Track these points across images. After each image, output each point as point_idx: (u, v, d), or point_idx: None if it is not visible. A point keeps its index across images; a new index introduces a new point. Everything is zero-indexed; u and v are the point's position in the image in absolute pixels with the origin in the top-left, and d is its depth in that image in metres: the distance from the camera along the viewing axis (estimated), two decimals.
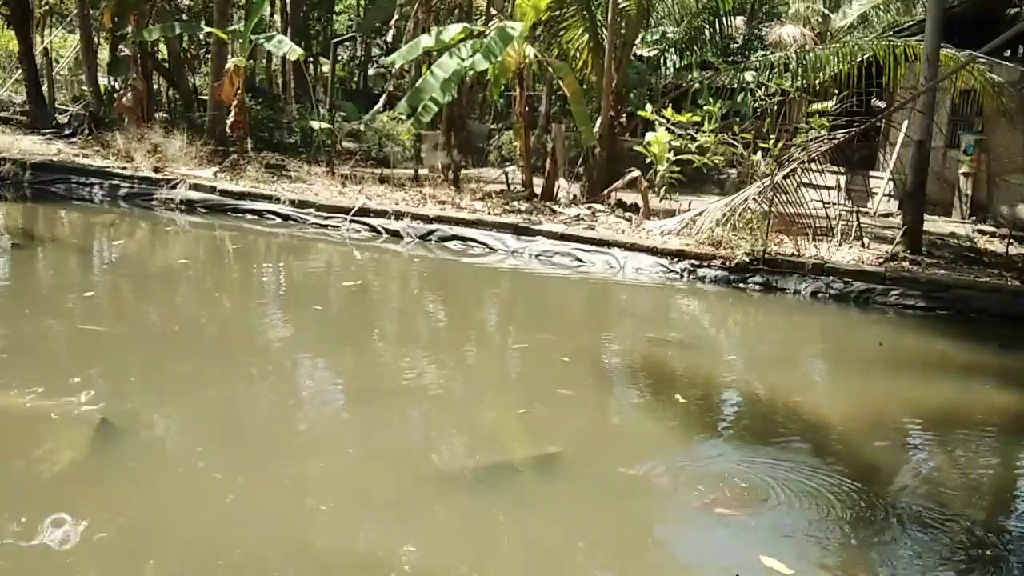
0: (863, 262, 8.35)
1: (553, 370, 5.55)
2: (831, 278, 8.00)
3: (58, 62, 19.68)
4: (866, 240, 9.13)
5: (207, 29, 13.71)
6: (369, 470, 3.92)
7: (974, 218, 11.61)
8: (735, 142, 10.75)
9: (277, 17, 20.17)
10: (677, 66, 14.11)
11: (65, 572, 2.93)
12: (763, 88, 12.02)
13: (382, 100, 16.58)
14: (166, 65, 16.70)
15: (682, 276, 8.34)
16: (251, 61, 16.01)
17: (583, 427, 4.64)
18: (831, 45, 11.84)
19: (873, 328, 7.52)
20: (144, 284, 7.43)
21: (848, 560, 3.32)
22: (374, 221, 9.69)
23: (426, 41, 10.74)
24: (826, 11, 16.07)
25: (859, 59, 10.96)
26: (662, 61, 14.14)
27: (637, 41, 12.53)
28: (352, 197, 10.38)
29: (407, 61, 12.02)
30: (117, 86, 14.82)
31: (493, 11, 13.79)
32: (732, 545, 3.39)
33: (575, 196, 11.05)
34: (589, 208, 10.36)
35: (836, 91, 11.25)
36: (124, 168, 11.25)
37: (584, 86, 12.75)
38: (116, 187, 10.85)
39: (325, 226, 9.82)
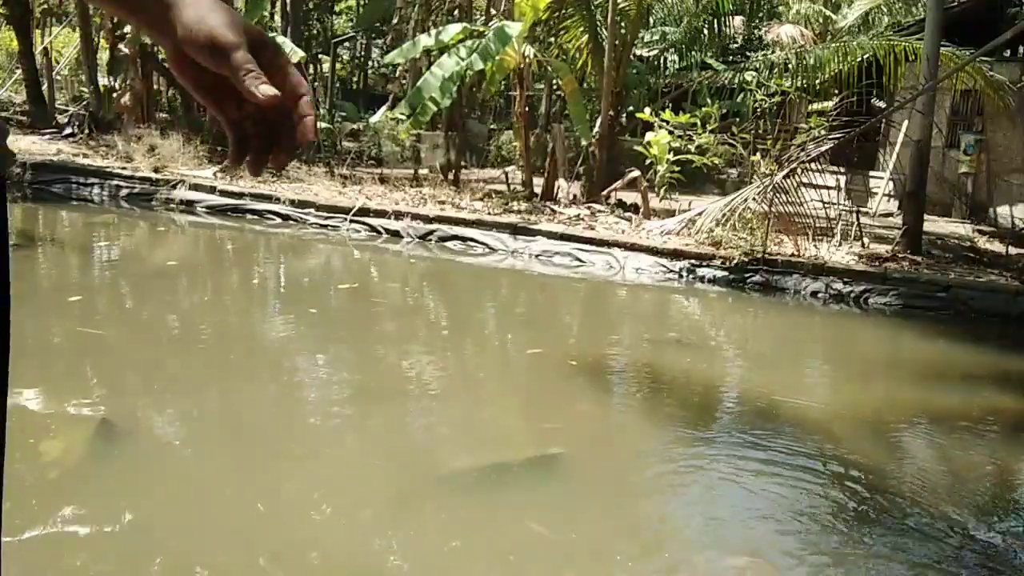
0: (863, 262, 8.36)
1: (554, 370, 5.55)
2: (831, 278, 8.00)
3: (58, 62, 19.68)
4: (866, 240, 9.13)
5: None
6: (368, 470, 3.91)
7: (974, 218, 11.61)
8: (734, 142, 10.75)
9: (278, 17, 20.17)
10: (677, 66, 14.12)
11: (64, 572, 2.93)
12: (763, 88, 12.03)
13: (389, 101, 16.59)
14: (166, 65, 16.68)
15: (682, 276, 8.34)
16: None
17: (584, 428, 4.64)
18: (831, 45, 11.83)
19: (873, 328, 7.52)
20: (144, 285, 7.43)
21: (840, 560, 3.31)
22: (374, 221, 9.69)
23: (425, 41, 10.75)
24: (828, 12, 16.06)
25: (859, 59, 10.96)
26: (662, 61, 14.14)
27: (637, 41, 12.54)
28: (352, 197, 10.39)
29: (407, 61, 12.03)
30: (117, 86, 14.83)
31: (493, 11, 13.79)
32: (726, 548, 3.39)
33: (575, 196, 11.06)
34: (589, 208, 10.36)
35: (836, 91, 11.26)
36: (124, 168, 11.25)
37: (584, 86, 12.76)
38: (116, 187, 10.85)
39: (325, 226, 9.82)
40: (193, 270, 8.17)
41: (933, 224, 10.40)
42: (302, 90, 0.69)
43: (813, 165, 8.55)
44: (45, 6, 18.42)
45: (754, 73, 12.38)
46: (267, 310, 6.98)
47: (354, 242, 9.50)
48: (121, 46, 14.01)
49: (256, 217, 10.16)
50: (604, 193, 10.77)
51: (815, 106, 11.19)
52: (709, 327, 7.51)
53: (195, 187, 10.64)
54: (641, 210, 9.94)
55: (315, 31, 22.12)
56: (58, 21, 20.34)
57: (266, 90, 0.65)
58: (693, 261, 8.40)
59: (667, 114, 10.83)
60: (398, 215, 9.68)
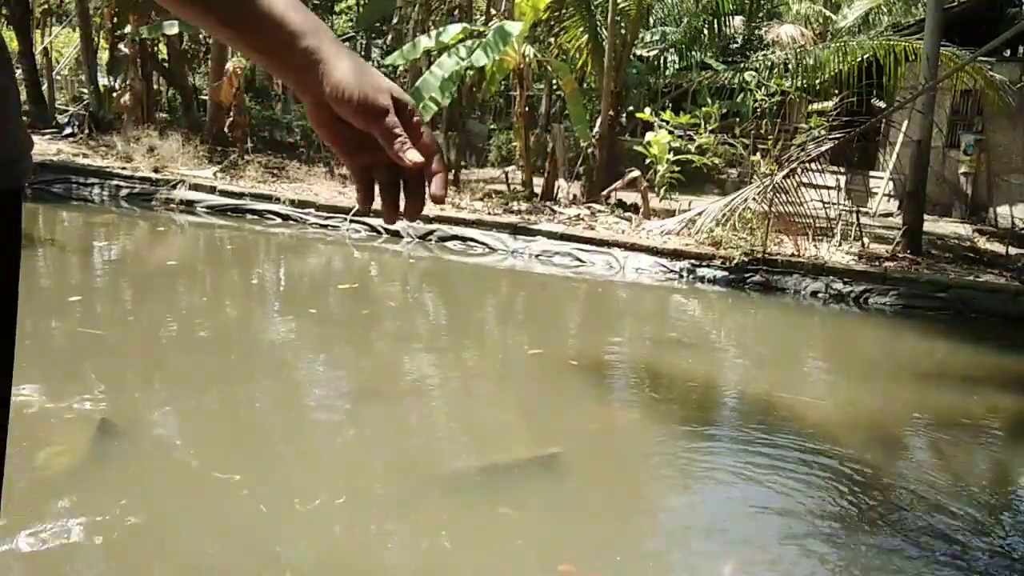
0: (863, 262, 8.36)
1: (554, 371, 5.55)
2: (831, 278, 8.00)
3: (58, 62, 19.67)
4: (866, 240, 9.13)
5: None
6: (369, 470, 3.92)
7: (974, 218, 11.62)
8: (734, 142, 10.75)
9: None
10: (677, 66, 14.12)
11: (65, 572, 2.93)
12: (763, 88, 12.03)
13: None
14: (166, 65, 16.71)
15: (682, 276, 8.34)
16: (250, 61, 15.98)
17: (584, 428, 4.64)
18: (831, 45, 11.83)
19: (873, 328, 7.52)
20: (144, 285, 7.43)
21: (839, 559, 3.32)
22: (374, 221, 9.69)
23: (426, 42, 10.74)
24: (828, 13, 16.07)
25: (859, 59, 10.97)
26: (662, 61, 14.14)
27: (637, 41, 12.54)
28: (352, 197, 10.34)
29: (407, 61, 12.03)
30: (117, 86, 14.83)
31: (493, 11, 13.79)
32: (711, 549, 3.39)
33: (575, 196, 11.06)
34: (589, 208, 10.36)
35: (836, 91, 11.26)
36: (124, 168, 11.25)
37: (584, 86, 12.76)
38: (116, 187, 10.85)
39: (325, 226, 9.82)
40: (193, 270, 8.17)
41: (933, 224, 10.41)
42: (434, 148, 0.73)
43: (813, 165, 8.55)
44: (45, 6, 18.43)
45: (754, 73, 12.38)
46: (267, 310, 6.98)
47: (354, 242, 9.50)
48: (121, 46, 14.00)
49: (256, 217, 10.15)
50: (604, 193, 10.77)
51: (815, 106, 11.18)
52: (709, 327, 7.51)
53: (195, 187, 10.64)
54: (641, 210, 9.94)
55: None
56: (58, 21, 20.35)
57: (413, 156, 0.70)
58: (693, 261, 8.40)
59: (667, 114, 10.83)
60: None
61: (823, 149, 8.66)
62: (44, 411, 4.08)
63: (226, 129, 12.27)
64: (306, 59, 0.71)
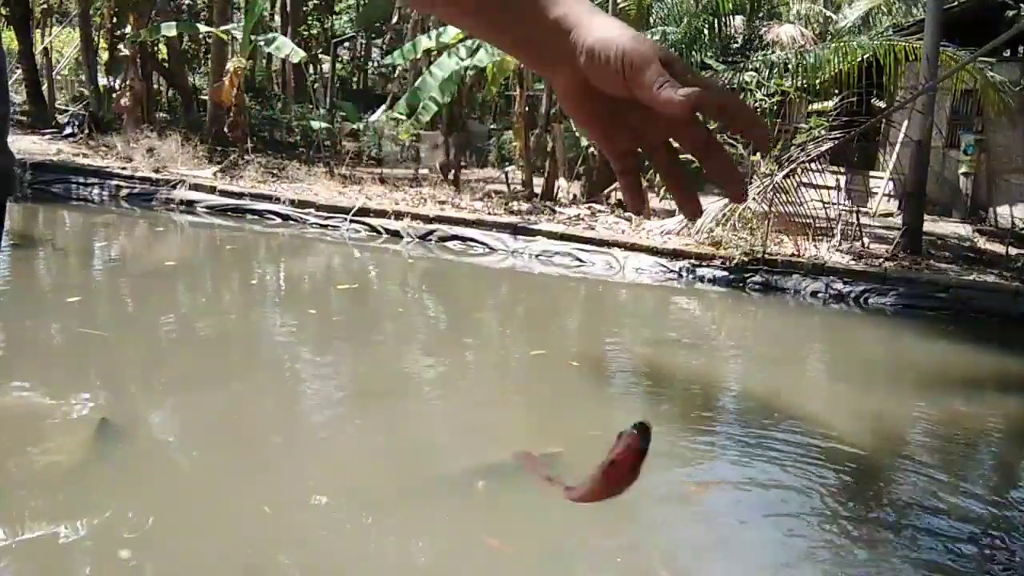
0: (863, 262, 8.35)
1: (555, 371, 5.54)
2: (831, 278, 8.00)
3: (58, 62, 19.67)
4: (866, 240, 9.13)
5: (205, 29, 13.71)
6: (367, 470, 3.91)
7: (974, 218, 11.61)
8: (734, 142, 10.73)
9: (277, 17, 20.16)
10: None
11: (65, 573, 2.92)
12: (763, 88, 12.01)
13: (388, 101, 16.59)
14: (166, 65, 16.70)
15: (682, 276, 8.34)
16: (251, 61, 15.99)
17: (585, 427, 4.64)
18: (831, 45, 11.83)
19: (873, 328, 7.52)
20: (144, 285, 7.43)
21: (841, 562, 3.31)
22: (374, 221, 9.69)
23: (426, 42, 10.74)
24: (828, 13, 16.06)
25: (859, 59, 10.96)
26: None
27: None
28: (352, 197, 10.38)
29: (407, 61, 12.03)
30: (117, 86, 14.83)
31: None
32: (733, 549, 3.39)
33: (575, 196, 11.06)
34: (589, 208, 10.36)
35: (836, 91, 11.25)
36: (124, 168, 11.24)
37: None
38: (116, 187, 10.84)
39: (325, 226, 9.82)
40: (193, 270, 8.17)
41: (933, 224, 10.40)
42: (719, 90, 0.59)
43: (813, 165, 8.55)
44: (45, 6, 18.42)
45: (754, 73, 12.35)
46: (267, 310, 6.98)
47: (354, 242, 9.49)
48: (121, 46, 14.01)
49: (256, 217, 10.15)
50: (604, 193, 10.77)
51: (815, 106, 11.18)
52: (709, 327, 7.51)
53: (195, 187, 10.63)
54: None
55: (315, 31, 22.11)
56: (58, 21, 20.34)
57: (685, 91, 0.56)
58: (693, 261, 8.39)
59: None
60: (398, 215, 9.67)
61: (823, 149, 8.66)
62: (44, 411, 4.08)
63: (226, 129, 12.26)
64: (558, 26, 0.62)
